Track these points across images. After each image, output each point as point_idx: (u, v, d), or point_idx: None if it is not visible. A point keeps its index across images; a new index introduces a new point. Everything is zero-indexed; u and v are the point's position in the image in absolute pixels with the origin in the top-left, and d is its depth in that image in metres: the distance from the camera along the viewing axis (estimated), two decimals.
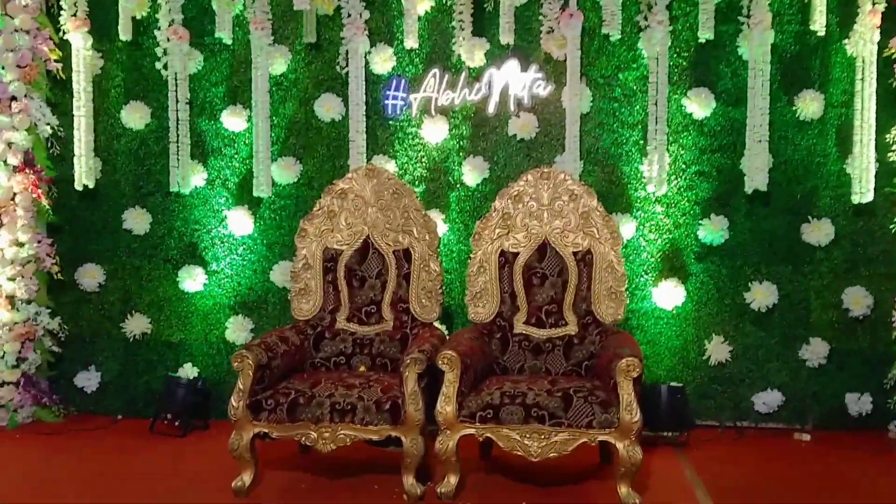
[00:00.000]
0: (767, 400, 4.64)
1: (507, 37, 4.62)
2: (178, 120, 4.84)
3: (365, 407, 3.56)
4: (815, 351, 4.61)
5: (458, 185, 4.83)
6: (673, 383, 4.55)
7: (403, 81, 4.81)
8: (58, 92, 5.01)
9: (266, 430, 3.62)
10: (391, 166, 4.81)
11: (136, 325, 5.02)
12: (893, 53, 4.42)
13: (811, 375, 4.66)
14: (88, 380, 5.05)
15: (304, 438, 3.60)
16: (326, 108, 4.85)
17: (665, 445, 4.36)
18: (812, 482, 3.85)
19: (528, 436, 3.47)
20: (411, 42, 4.70)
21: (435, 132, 4.80)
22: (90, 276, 5.05)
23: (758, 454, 4.26)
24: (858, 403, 4.60)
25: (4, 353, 4.83)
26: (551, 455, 3.44)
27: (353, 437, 3.57)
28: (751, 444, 4.45)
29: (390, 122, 4.85)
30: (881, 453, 4.26)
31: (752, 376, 4.68)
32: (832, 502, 3.62)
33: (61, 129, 4.96)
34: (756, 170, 4.51)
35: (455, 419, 3.51)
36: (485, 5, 4.66)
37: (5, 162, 4.84)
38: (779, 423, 4.67)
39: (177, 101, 4.83)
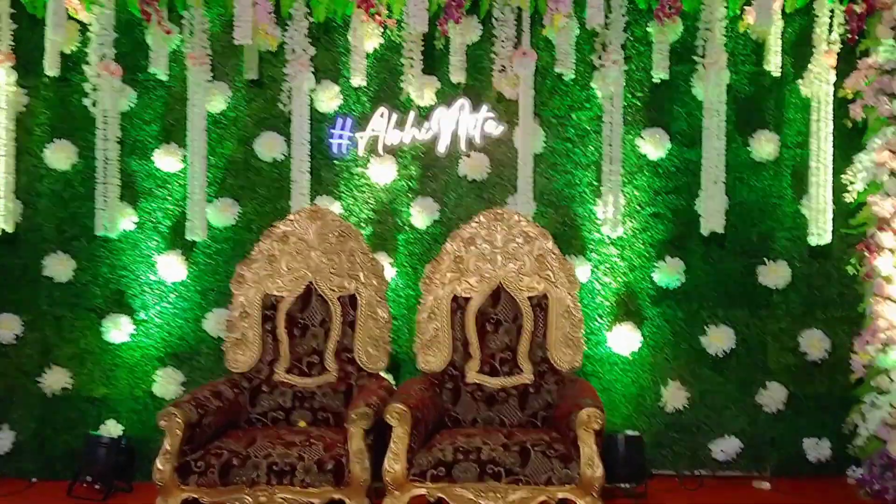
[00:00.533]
0: (725, 447, 4.48)
1: (457, 75, 4.49)
2: (106, 159, 4.53)
3: (305, 468, 3.27)
4: (773, 396, 4.49)
5: (406, 228, 4.61)
6: (629, 432, 4.36)
7: (350, 120, 4.61)
8: None
9: (196, 496, 3.30)
10: (336, 208, 4.57)
11: (55, 379, 4.62)
12: (848, 94, 4.39)
13: (769, 421, 4.52)
14: (1, 440, 4.61)
15: None
16: (268, 147, 4.62)
17: (623, 498, 4.15)
18: None
19: (483, 495, 3.22)
20: (358, 80, 4.51)
21: (382, 172, 4.59)
22: (6, 328, 4.65)
23: None
24: (817, 449, 4.48)
25: None
26: None
27: (292, 502, 3.28)
28: (710, 493, 4.27)
29: (335, 162, 4.63)
30: (841, 500, 4.11)
31: (710, 423, 4.53)
32: None
33: None
34: (712, 211, 4.41)
35: (405, 478, 3.24)
36: (435, 43, 4.50)
37: None
38: (737, 471, 4.51)
39: (106, 140, 4.53)
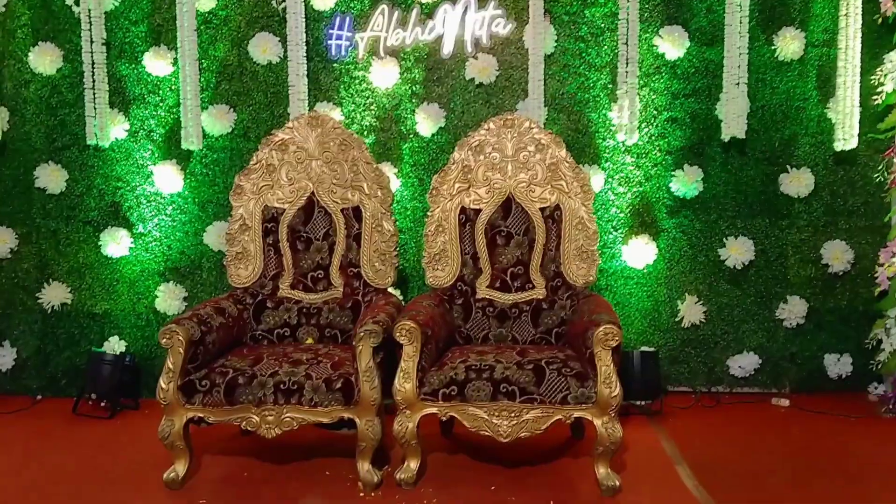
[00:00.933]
0: (743, 363, 4.37)
1: None
2: (93, 63, 4.30)
3: (313, 386, 3.16)
4: (793, 310, 4.35)
5: (411, 136, 4.39)
6: (645, 348, 4.25)
7: (348, 19, 4.32)
8: None
9: (201, 415, 3.21)
10: (336, 114, 4.34)
11: (55, 294, 4.50)
12: None
13: (788, 336, 4.40)
14: (3, 357, 4.53)
15: (244, 423, 3.19)
16: (262, 49, 4.34)
17: (638, 415, 4.08)
18: (794, 450, 3.62)
19: (496, 414, 3.12)
20: None
21: (384, 76, 4.33)
22: (0, 241, 4.50)
23: (736, 422, 4.00)
24: (838, 365, 4.37)
25: None
26: (522, 435, 3.11)
27: (301, 421, 3.18)
28: (727, 411, 4.19)
29: (334, 65, 4.36)
30: (862, 417, 4.04)
31: (727, 338, 4.41)
32: (816, 470, 3.37)
33: None
34: (733, 116, 4.19)
35: (415, 398, 3.14)
36: None
37: None
38: (755, 388, 4.42)
39: (91, 42, 4.28)
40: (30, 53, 4.41)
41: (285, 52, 4.30)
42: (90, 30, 4.26)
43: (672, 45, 4.29)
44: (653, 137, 4.35)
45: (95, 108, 4.31)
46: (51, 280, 4.51)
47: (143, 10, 4.37)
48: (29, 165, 4.48)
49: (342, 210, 3.81)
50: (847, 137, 4.19)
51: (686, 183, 4.32)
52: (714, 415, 4.14)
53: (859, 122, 4.19)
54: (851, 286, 4.38)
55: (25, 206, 4.51)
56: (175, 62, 4.35)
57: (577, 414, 3.10)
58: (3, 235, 4.50)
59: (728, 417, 4.09)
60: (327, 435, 3.45)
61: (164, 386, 3.17)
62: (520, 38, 4.30)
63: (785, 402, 4.24)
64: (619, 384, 3.06)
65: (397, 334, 3.15)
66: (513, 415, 3.11)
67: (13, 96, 4.45)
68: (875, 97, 4.20)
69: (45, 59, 4.40)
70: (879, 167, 4.22)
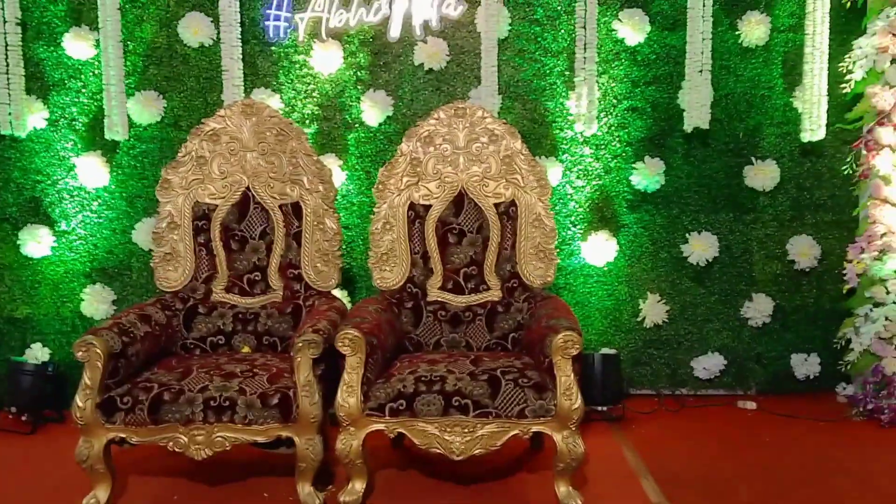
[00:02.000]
0: (708, 364, 4.19)
1: None
2: (7, 45, 3.93)
3: (247, 402, 2.86)
4: (759, 308, 4.18)
5: (356, 125, 4.09)
6: (605, 350, 4.04)
7: None
8: None
9: (123, 435, 2.89)
10: (275, 102, 4.03)
11: None
12: None
13: (754, 336, 4.23)
14: None
15: (171, 444, 2.88)
16: (193, 30, 4.01)
17: (599, 421, 3.87)
18: (762, 454, 3.46)
19: (448, 430, 2.86)
20: None
21: (327, 60, 4.03)
22: None
23: (702, 428, 3.82)
24: (805, 365, 4.21)
25: None
26: (476, 452, 2.85)
27: (234, 441, 2.88)
28: (692, 415, 4.00)
29: (272, 49, 4.05)
30: (832, 420, 3.88)
31: (691, 339, 4.23)
32: (786, 478, 3.19)
33: None
34: (697, 105, 3.99)
35: (360, 413, 2.87)
36: None
37: None
38: (720, 390, 4.24)
39: (4, 23, 3.91)
40: None
41: (218, 33, 3.97)
42: (2, 9, 3.89)
43: (632, 29, 4.07)
44: (612, 128, 4.13)
45: (10, 95, 3.95)
46: None
47: None
48: None
49: (280, 206, 3.51)
50: (814, 128, 4.02)
51: (647, 176, 4.11)
52: (678, 419, 3.95)
53: (827, 112, 4.02)
54: (819, 283, 4.22)
55: None
56: (98, 44, 3.99)
57: (535, 428, 2.86)
58: None
59: (693, 422, 3.90)
60: (264, 454, 3.17)
61: (80, 404, 2.85)
62: (472, 20, 4.04)
63: (752, 405, 4.07)
64: (579, 396, 2.82)
65: (339, 344, 2.87)
66: (466, 430, 2.86)
67: None
68: (843, 85, 4.04)
69: None
70: (847, 159, 4.06)
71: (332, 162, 4.01)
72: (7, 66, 3.93)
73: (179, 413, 2.85)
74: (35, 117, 4.05)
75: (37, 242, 4.10)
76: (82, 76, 4.06)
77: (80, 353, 2.86)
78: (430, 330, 3.45)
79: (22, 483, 3.24)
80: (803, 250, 4.16)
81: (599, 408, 3.87)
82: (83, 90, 4.06)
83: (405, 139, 3.52)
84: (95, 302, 4.13)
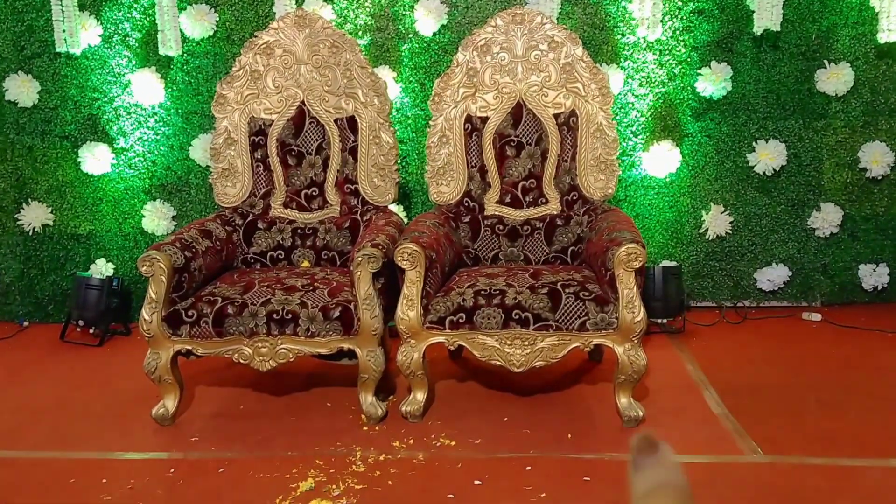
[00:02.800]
0: (772, 276, 4.09)
1: None
2: None
3: (309, 315, 2.90)
4: (826, 218, 4.03)
5: (410, 35, 3.98)
6: (666, 263, 3.97)
7: None
8: None
9: (189, 347, 2.96)
10: (327, 12, 3.93)
11: (35, 215, 4.22)
12: None
13: (820, 246, 4.10)
14: None
15: (236, 356, 2.95)
16: None
17: (659, 334, 3.83)
18: (827, 366, 3.40)
19: (509, 342, 2.87)
20: None
21: None
22: None
23: (764, 340, 3.76)
24: (873, 276, 4.08)
25: None
26: (537, 364, 2.86)
27: (297, 352, 2.93)
28: (755, 327, 3.94)
29: None
30: None
31: (755, 250, 4.11)
32: (850, 391, 3.14)
33: None
34: (767, 5, 3.77)
35: (420, 326, 2.88)
36: None
37: None
38: (784, 302, 4.15)
39: None
40: None
41: None
42: None
43: None
44: (677, 32, 3.94)
45: (63, 11, 3.92)
46: (30, 200, 4.21)
47: None
48: None
49: (336, 120, 3.47)
50: (892, 28, 3.79)
51: (713, 82, 3.94)
52: (740, 332, 3.89)
53: None
54: (890, 192, 4.05)
55: None
56: None
57: (596, 341, 2.84)
58: None
59: (755, 334, 3.84)
60: (327, 365, 3.22)
61: (146, 318, 2.91)
62: None
63: (816, 317, 3.98)
64: (642, 308, 2.79)
65: (398, 258, 2.86)
66: (526, 343, 2.86)
67: None
68: None
69: None
70: None
71: (386, 74, 3.93)
72: None
73: (243, 326, 2.90)
74: (89, 34, 4.02)
75: (96, 160, 4.14)
76: None
77: (145, 268, 2.91)
78: (489, 244, 3.42)
79: (93, 394, 3.35)
80: (876, 157, 3.98)
81: (660, 320, 3.83)
82: (135, 5, 4.01)
83: (461, 49, 3.42)
84: (156, 218, 4.18)
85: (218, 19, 4.00)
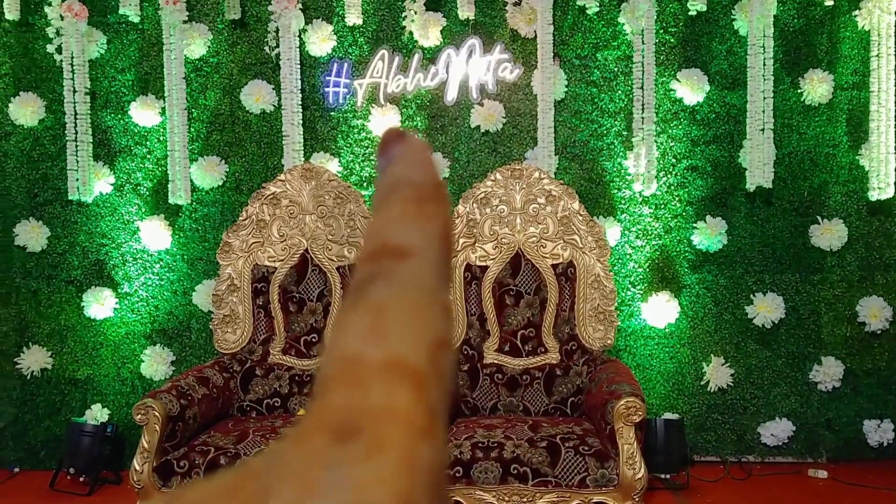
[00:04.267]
0: (776, 431, 4.01)
1: (466, 11, 3.94)
2: (76, 114, 4.06)
3: None
4: (828, 372, 4.00)
5: None
6: (668, 415, 3.91)
7: (346, 65, 4.08)
8: None
9: None
10: (333, 165, 4.08)
11: (34, 359, 4.21)
12: None
13: (823, 401, 4.05)
14: None
15: None
16: (255, 97, 4.10)
17: (662, 490, 3.72)
18: None
19: (506, 498, 2.79)
20: (354, 18, 3.96)
21: (385, 124, 4.07)
22: None
23: (770, 497, 3.64)
24: (878, 432, 4.00)
25: None
26: None
27: None
28: (760, 484, 3.82)
29: (331, 114, 4.11)
30: None
31: (758, 404, 4.06)
32: None
33: None
34: (758, 163, 3.90)
35: None
36: None
37: None
38: (789, 457, 4.05)
39: (74, 92, 4.06)
40: (10, 104, 4.18)
41: (280, 100, 4.06)
42: (72, 78, 4.04)
43: (691, 89, 4.03)
44: (672, 187, 4.07)
45: (78, 161, 4.07)
46: (30, 343, 4.22)
47: (129, 57, 4.15)
48: (8, 222, 4.22)
49: (338, 268, 3.52)
50: (882, 186, 3.90)
51: (709, 235, 4.02)
52: (746, 488, 3.77)
53: (895, 170, 3.90)
54: (891, 346, 4.03)
55: (4, 265, 4.24)
56: (163, 112, 4.12)
57: (596, 498, 2.76)
58: None
59: (762, 491, 3.72)
60: None
61: (137, 468, 2.86)
62: (528, 83, 4.05)
63: (823, 474, 3.87)
64: (643, 465, 2.72)
65: None
66: (525, 499, 2.78)
67: None
68: None
69: (26, 110, 4.17)
70: None
71: None
72: (76, 133, 4.06)
73: None
74: (101, 183, 4.16)
75: (100, 304, 4.18)
76: (147, 143, 4.17)
77: (139, 416, 2.88)
78: (487, 393, 3.39)
79: None
80: (874, 312, 3.99)
81: (662, 475, 3.73)
82: (148, 156, 4.18)
83: (461, 201, 3.52)
84: (155, 363, 4.17)
85: (227, 170, 4.14)
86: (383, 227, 0.38)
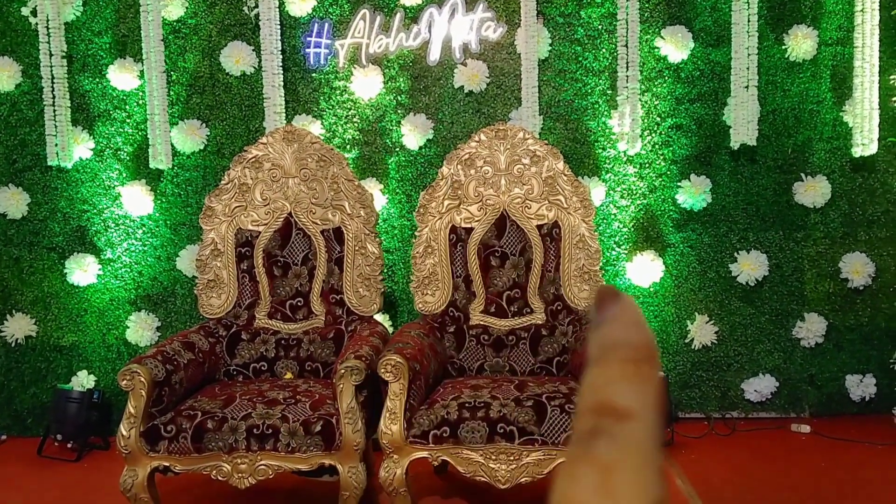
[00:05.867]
0: (759, 387, 4.06)
1: None
2: (53, 78, 4.00)
3: (290, 430, 2.84)
4: (811, 328, 4.04)
5: (397, 149, 4.08)
6: None
7: (326, 25, 4.02)
8: None
9: (167, 464, 2.88)
10: (316, 128, 4.04)
11: (18, 327, 4.18)
12: None
13: (806, 357, 4.09)
14: None
15: (214, 472, 2.87)
16: (235, 59, 4.04)
17: None
18: (817, 479, 3.33)
19: (493, 457, 2.81)
20: None
21: (367, 85, 4.03)
22: None
23: (755, 452, 3.69)
24: (860, 386, 4.06)
25: None
26: (522, 480, 2.79)
27: (277, 469, 2.86)
28: (744, 439, 3.88)
29: (313, 75, 4.06)
30: (888, 442, 3.73)
31: (741, 360, 4.10)
32: (842, 500, 3.07)
33: None
34: (743, 121, 3.90)
35: (403, 441, 2.83)
36: None
37: None
38: (772, 413, 4.10)
39: (51, 55, 3.98)
40: None
41: (260, 61, 4.00)
42: (48, 42, 3.96)
43: (675, 46, 4.00)
44: (656, 146, 4.06)
45: (56, 126, 4.01)
46: (14, 311, 4.19)
47: (106, 19, 4.07)
48: None
49: (322, 232, 3.50)
50: (866, 142, 3.90)
51: (693, 194, 4.02)
52: (730, 444, 3.83)
53: (878, 126, 3.90)
54: (873, 302, 4.07)
55: None
56: (142, 75, 4.05)
57: None
58: None
59: (745, 446, 3.78)
60: (308, 481, 3.14)
61: (124, 433, 2.85)
62: (511, 42, 4.01)
63: (805, 428, 3.93)
64: None
65: (382, 370, 2.84)
66: (512, 458, 2.80)
67: None
68: (895, 99, 3.91)
69: (2, 75, 4.09)
70: None
71: (373, 186, 4.00)
72: (54, 98, 4.00)
73: (223, 441, 2.84)
74: (81, 148, 4.11)
75: (83, 271, 4.15)
76: (127, 107, 4.11)
77: (125, 382, 2.87)
78: (474, 354, 3.40)
79: None
80: (857, 268, 4.02)
81: None
82: (128, 120, 4.12)
83: (446, 162, 3.50)
84: (140, 329, 4.16)
85: (209, 134, 4.09)
86: (605, 385, 0.43)
